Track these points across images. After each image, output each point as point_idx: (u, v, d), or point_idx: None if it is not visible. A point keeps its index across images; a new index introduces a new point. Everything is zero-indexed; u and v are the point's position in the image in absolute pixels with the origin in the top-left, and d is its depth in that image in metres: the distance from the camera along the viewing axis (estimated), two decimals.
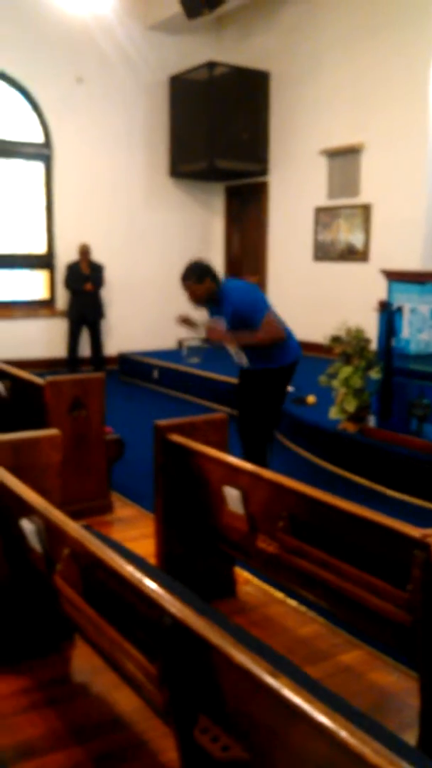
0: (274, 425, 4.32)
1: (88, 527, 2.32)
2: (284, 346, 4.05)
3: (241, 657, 1.42)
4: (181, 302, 5.25)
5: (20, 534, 2.42)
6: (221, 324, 3.83)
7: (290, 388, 5.94)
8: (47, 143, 8.74)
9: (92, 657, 2.38)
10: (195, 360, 8.10)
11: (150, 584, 1.75)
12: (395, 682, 2.57)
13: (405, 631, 2.14)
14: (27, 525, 2.34)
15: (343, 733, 1.19)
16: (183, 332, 9.24)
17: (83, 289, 8.39)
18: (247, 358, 4.04)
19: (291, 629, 2.90)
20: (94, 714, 2.36)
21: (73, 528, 2.13)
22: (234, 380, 6.73)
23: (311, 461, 5.31)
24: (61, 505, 2.41)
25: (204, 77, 8.88)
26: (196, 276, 3.93)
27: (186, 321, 4.13)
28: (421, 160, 7.26)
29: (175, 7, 8.09)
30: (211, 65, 8.76)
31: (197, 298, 3.97)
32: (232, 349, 4.05)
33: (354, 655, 2.71)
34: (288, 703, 1.29)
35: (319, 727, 1.22)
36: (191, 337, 8.62)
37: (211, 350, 8.54)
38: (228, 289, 3.96)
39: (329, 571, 2.35)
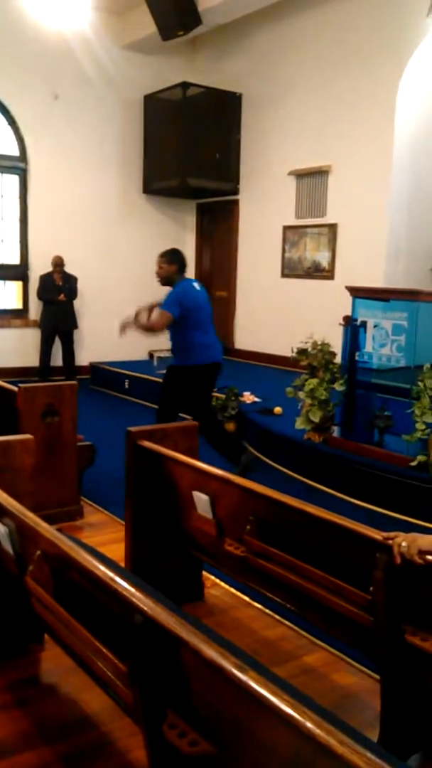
0: (197, 415, 4.98)
1: (59, 531, 2.36)
2: (197, 349, 4.89)
3: (211, 652, 1.47)
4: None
5: None
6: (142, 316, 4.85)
7: (255, 399, 6.16)
8: (23, 157, 8.79)
9: (61, 658, 2.41)
10: (165, 371, 8.15)
11: (122, 582, 1.80)
12: (357, 683, 2.65)
13: (367, 632, 2.22)
14: None
15: (309, 725, 1.22)
16: (154, 344, 9.33)
17: (56, 299, 8.43)
18: (172, 347, 5.07)
19: (257, 631, 2.97)
20: (63, 714, 2.39)
21: (46, 529, 2.18)
22: None
23: (278, 470, 5.40)
24: (32, 510, 2.45)
25: (177, 97, 9.02)
26: (169, 257, 4.95)
27: (126, 326, 4.91)
28: (385, 184, 7.48)
29: (150, 28, 8.24)
30: (184, 85, 8.91)
31: (159, 274, 4.96)
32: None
33: (318, 656, 2.79)
34: (256, 696, 1.33)
35: (286, 719, 1.26)
36: (162, 349, 8.69)
37: None
38: (177, 284, 4.91)
39: (294, 573, 2.43)
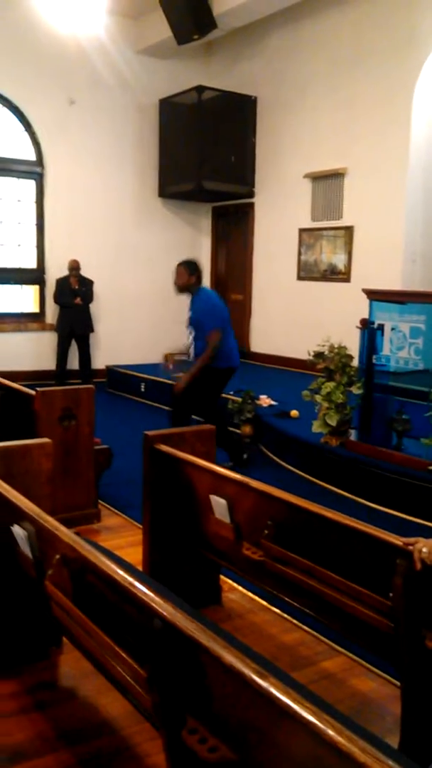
0: (206, 414, 5.27)
1: (78, 534, 2.37)
2: (221, 354, 5.06)
3: (231, 658, 1.46)
4: (167, 317, 5.48)
5: (11, 540, 2.47)
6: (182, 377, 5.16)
7: (271, 402, 6.21)
8: (39, 161, 8.85)
9: (80, 662, 2.42)
10: (181, 374, 8.16)
11: (141, 587, 1.80)
12: (376, 689, 2.63)
13: (387, 638, 2.20)
14: (18, 531, 2.39)
15: (331, 732, 1.21)
16: (169, 346, 9.37)
17: (72, 303, 8.48)
18: (193, 352, 5.19)
19: (275, 636, 2.96)
20: (82, 718, 2.40)
21: (65, 533, 2.18)
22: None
23: (295, 474, 5.38)
24: (50, 513, 2.46)
25: (193, 101, 9.04)
26: (190, 268, 5.11)
27: (169, 360, 5.31)
28: (401, 186, 7.44)
29: (165, 33, 8.27)
30: (199, 89, 8.92)
31: (177, 283, 5.12)
32: (187, 343, 5.22)
33: (336, 661, 2.77)
34: (277, 703, 1.32)
35: (307, 726, 1.25)
36: (177, 352, 8.71)
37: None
38: (199, 294, 5.12)
39: (313, 578, 2.41)
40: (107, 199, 9.28)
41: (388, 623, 2.15)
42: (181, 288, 5.15)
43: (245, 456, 5.45)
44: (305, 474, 5.31)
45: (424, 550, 1.99)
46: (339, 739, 1.21)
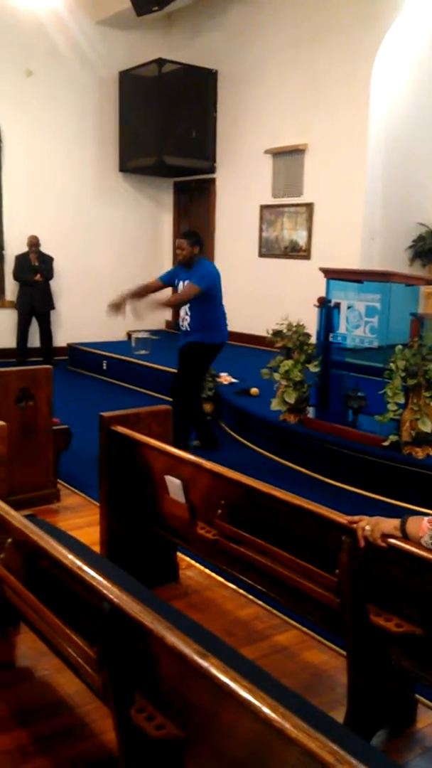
0: (187, 390, 5.19)
1: (32, 516, 2.39)
2: (217, 327, 5.12)
3: (174, 639, 1.51)
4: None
5: None
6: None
7: (232, 380, 6.23)
8: None
9: (36, 642, 2.44)
10: (143, 352, 8.16)
11: (90, 572, 1.83)
12: (327, 661, 2.71)
13: (333, 612, 2.27)
14: None
15: (266, 709, 1.27)
16: (132, 324, 9.32)
17: (32, 280, 8.38)
18: (188, 324, 5.06)
19: (230, 611, 3.02)
20: (38, 697, 2.43)
21: (15, 518, 2.20)
22: None
23: (255, 451, 5.44)
24: (7, 495, 2.47)
25: (153, 74, 8.89)
26: (193, 240, 5.05)
27: (115, 307, 4.99)
28: (360, 163, 7.46)
29: (124, 3, 8.09)
30: (160, 62, 8.77)
31: (183, 255, 5.03)
32: (182, 313, 5.11)
33: (289, 635, 2.85)
34: (216, 683, 1.37)
35: (244, 704, 1.30)
36: (140, 329, 8.67)
37: (159, 342, 8.63)
38: (203, 262, 5.11)
39: (264, 556, 2.47)
40: (67, 174, 9.13)
41: (335, 598, 2.22)
42: (186, 261, 5.06)
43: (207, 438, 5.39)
44: (264, 451, 5.38)
45: (368, 527, 2.06)
46: (273, 716, 1.26)
